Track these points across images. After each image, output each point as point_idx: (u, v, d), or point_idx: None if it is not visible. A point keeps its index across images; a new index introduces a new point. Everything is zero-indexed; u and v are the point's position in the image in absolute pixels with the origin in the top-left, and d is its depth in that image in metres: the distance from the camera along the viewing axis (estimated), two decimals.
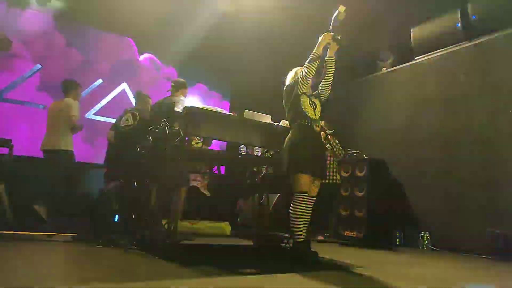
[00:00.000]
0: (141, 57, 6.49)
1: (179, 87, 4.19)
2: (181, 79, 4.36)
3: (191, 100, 6.11)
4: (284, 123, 3.81)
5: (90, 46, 6.00)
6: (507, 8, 4.49)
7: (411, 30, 5.53)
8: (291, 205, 2.93)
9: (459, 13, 4.97)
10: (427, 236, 4.68)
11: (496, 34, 4.59)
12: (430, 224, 4.82)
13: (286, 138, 3.09)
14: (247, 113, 3.42)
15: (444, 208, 4.74)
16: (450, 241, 4.55)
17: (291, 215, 2.92)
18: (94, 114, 5.92)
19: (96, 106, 5.93)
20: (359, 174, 5.04)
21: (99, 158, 5.85)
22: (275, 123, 3.56)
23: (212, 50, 6.27)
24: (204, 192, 5.19)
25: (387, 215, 5.02)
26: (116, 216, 3.68)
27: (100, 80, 6.00)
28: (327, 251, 3.69)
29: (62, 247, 3.14)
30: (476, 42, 4.80)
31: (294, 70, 3.29)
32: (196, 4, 5.73)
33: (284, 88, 3.22)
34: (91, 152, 5.74)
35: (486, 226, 4.18)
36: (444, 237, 4.62)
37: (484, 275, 2.97)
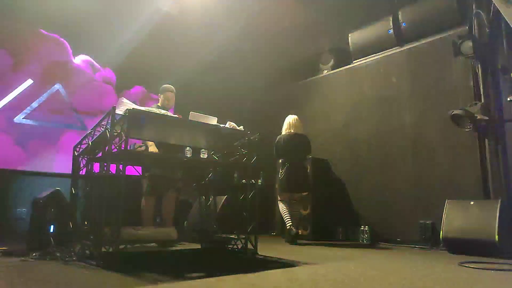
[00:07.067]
0: (76, 59, 6.11)
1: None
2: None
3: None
4: (230, 124, 3.81)
5: (20, 46, 5.53)
6: (432, 17, 4.90)
7: (349, 35, 5.82)
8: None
9: (391, 20, 5.33)
10: (367, 230, 4.95)
11: (424, 40, 4.99)
12: (369, 218, 5.11)
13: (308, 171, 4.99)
14: (193, 115, 3.38)
15: (381, 203, 5.05)
16: (387, 233, 4.86)
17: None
18: (24, 118, 5.46)
19: (27, 109, 5.47)
20: None
21: (32, 164, 5.41)
22: (221, 125, 3.55)
23: (153, 51, 6.08)
24: None
25: (331, 212, 5.25)
26: (52, 226, 3.43)
27: (30, 81, 5.54)
28: (273, 249, 3.75)
29: None
30: (407, 47, 5.18)
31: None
32: (137, 4, 5.53)
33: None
34: (22, 158, 5.31)
35: (418, 218, 4.54)
36: (382, 230, 4.92)
37: (416, 262, 3.21)
